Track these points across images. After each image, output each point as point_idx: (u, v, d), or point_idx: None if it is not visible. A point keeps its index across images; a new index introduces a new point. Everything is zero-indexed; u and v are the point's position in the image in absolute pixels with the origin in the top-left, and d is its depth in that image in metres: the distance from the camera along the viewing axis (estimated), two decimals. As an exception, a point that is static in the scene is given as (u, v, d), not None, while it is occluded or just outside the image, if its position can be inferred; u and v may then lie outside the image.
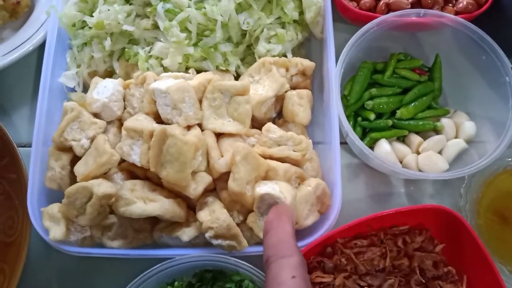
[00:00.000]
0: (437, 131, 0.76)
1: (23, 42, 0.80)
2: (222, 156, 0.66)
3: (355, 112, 0.78)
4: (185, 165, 0.61)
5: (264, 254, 0.46)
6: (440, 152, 0.74)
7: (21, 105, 0.83)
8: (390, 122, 0.75)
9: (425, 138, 0.75)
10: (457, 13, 0.76)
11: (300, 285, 0.42)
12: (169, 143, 0.61)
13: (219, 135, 0.68)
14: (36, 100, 0.71)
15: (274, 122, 0.73)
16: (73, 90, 0.78)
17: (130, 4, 0.76)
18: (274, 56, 0.75)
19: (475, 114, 0.76)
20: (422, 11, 0.72)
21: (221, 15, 0.73)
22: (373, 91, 0.76)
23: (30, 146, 0.69)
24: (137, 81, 0.70)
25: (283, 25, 0.78)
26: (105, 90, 0.69)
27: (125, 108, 0.71)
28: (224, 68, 0.75)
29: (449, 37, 0.76)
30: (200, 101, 0.68)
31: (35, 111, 0.71)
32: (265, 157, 0.66)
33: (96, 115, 0.69)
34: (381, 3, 0.76)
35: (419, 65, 0.78)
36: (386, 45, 0.79)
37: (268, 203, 0.61)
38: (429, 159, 0.72)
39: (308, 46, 0.82)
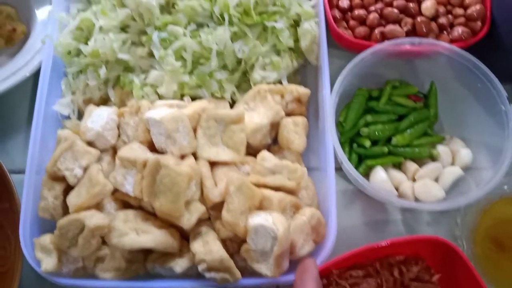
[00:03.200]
0: (433, 158, 0.76)
1: (19, 69, 0.80)
2: (216, 185, 0.65)
3: (350, 139, 0.77)
4: (178, 196, 0.60)
5: None
6: (436, 179, 0.74)
7: (15, 131, 0.82)
8: (385, 149, 0.75)
9: (421, 165, 0.74)
10: (452, 41, 0.76)
11: None
12: (162, 174, 0.61)
13: (213, 163, 0.68)
14: (30, 127, 0.71)
15: (269, 149, 0.73)
16: (68, 117, 0.78)
17: (125, 33, 0.76)
18: (269, 83, 0.75)
19: (471, 141, 0.76)
20: (417, 39, 0.72)
21: (216, 44, 0.73)
22: (369, 118, 0.76)
23: (23, 172, 0.69)
24: (132, 109, 0.70)
25: (278, 52, 0.78)
26: (99, 118, 0.69)
27: (119, 136, 0.71)
28: (219, 95, 0.75)
29: (445, 64, 0.76)
30: (195, 130, 0.68)
31: (29, 138, 0.70)
32: (260, 186, 0.65)
33: (90, 143, 0.69)
34: (376, 31, 0.76)
35: (414, 92, 0.78)
36: (381, 72, 0.79)
37: (262, 234, 0.60)
38: (425, 187, 0.72)
39: (304, 72, 0.82)
